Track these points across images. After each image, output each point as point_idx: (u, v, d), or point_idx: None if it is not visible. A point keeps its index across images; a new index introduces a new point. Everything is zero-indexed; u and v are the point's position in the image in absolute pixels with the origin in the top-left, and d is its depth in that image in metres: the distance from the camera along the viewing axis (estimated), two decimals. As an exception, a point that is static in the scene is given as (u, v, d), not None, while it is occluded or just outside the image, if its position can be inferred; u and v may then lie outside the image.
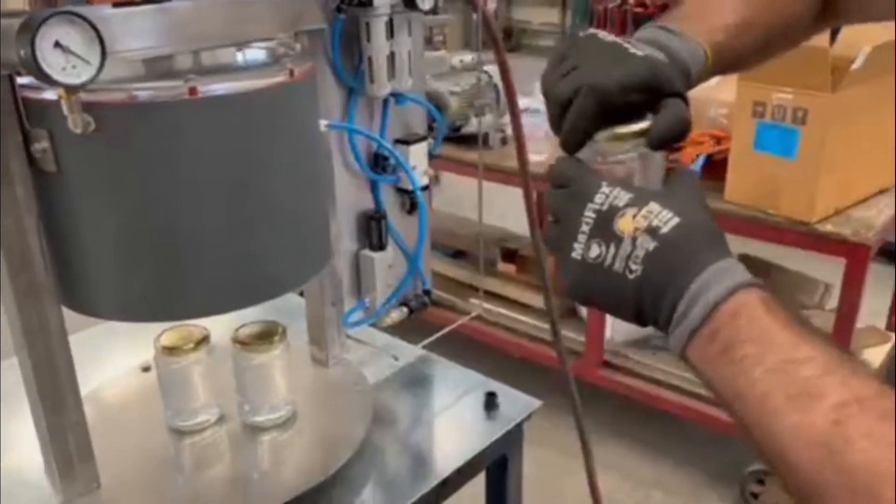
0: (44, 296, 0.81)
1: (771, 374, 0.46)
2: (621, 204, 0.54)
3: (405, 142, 1.16)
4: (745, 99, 2.01)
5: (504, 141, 2.60)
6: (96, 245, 0.79)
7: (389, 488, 1.02)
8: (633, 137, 0.59)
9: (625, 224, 0.53)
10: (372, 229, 1.17)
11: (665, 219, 0.53)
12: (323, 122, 0.96)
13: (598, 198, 0.55)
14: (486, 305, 2.04)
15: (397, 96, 1.12)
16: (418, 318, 1.24)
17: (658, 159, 0.60)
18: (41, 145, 0.76)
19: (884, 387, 0.43)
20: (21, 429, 1.06)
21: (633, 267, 0.52)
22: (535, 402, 1.15)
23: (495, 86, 2.59)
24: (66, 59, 0.69)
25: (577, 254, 0.56)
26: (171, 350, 1.02)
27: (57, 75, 0.68)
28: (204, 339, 1.04)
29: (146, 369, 1.19)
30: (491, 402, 1.14)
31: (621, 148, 0.59)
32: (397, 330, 1.30)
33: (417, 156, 1.16)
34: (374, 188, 1.17)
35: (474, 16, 1.22)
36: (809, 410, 0.43)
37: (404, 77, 1.09)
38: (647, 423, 2.55)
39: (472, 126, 2.57)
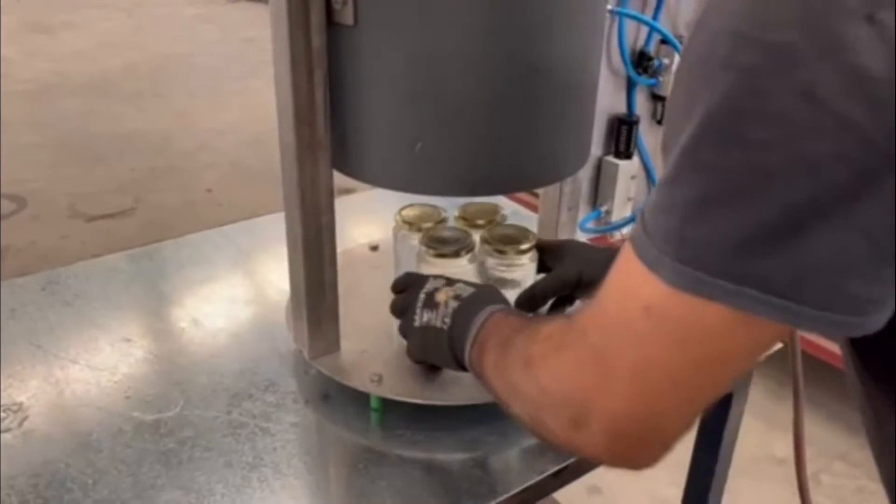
0: (320, 152, 0.82)
1: (498, 345, 0.69)
2: (440, 286, 0.82)
3: (672, 43, 1.06)
4: None
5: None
6: (378, 105, 0.78)
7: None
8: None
9: (441, 296, 0.81)
10: (621, 135, 1.10)
11: (467, 290, 0.81)
12: (609, 5, 0.89)
13: (428, 285, 0.83)
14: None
15: (677, -10, 1.02)
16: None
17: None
18: (343, -3, 0.74)
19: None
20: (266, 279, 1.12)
21: (447, 320, 0.79)
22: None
23: None
24: None
25: (416, 322, 0.82)
26: (410, 225, 1.02)
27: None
28: (442, 221, 1.04)
29: (374, 248, 1.21)
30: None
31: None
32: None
33: (683, 60, 1.07)
34: (629, 91, 1.09)
35: None
36: (508, 354, 0.64)
37: (691, -32, 0.99)
38: (841, 392, 2.37)
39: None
